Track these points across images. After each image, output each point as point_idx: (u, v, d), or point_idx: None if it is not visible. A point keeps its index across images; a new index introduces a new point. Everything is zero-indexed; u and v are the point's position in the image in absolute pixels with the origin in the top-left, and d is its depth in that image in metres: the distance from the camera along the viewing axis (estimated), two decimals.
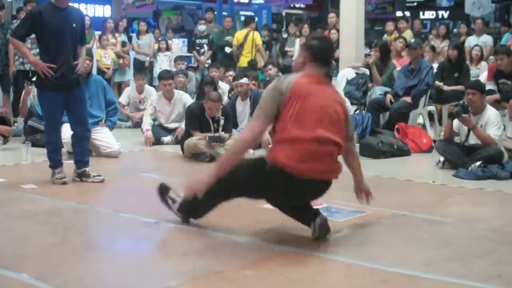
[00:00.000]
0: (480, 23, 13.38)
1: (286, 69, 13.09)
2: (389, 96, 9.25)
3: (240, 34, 13.81)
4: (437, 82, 9.81)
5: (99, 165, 7.11)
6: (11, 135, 8.73)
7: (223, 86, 11.01)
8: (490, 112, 7.28)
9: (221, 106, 8.28)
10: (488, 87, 8.48)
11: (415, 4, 28.06)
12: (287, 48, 14.58)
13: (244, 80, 9.24)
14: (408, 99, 9.15)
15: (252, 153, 7.42)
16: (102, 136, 8.11)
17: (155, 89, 11.40)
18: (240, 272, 3.90)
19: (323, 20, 18.99)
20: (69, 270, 3.92)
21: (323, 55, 4.61)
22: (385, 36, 13.49)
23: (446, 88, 9.79)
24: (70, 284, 3.66)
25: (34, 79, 7.76)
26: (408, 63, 9.52)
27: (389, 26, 13.49)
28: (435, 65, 10.77)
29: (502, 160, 7.07)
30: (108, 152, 8.04)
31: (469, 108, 7.22)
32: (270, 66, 11.38)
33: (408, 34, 12.62)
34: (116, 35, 13.99)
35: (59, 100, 6.37)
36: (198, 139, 7.89)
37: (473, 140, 7.28)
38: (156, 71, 13.59)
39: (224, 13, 20.41)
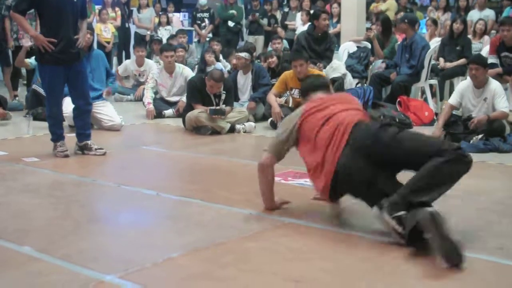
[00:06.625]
0: None
1: (288, 43, 13.05)
2: (394, 75, 9.24)
3: None
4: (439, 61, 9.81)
5: (101, 138, 7.12)
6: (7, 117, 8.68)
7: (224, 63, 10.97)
8: (495, 84, 7.27)
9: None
10: (490, 60, 8.42)
11: None
12: (287, 22, 14.49)
13: (244, 54, 9.16)
14: (393, 75, 9.24)
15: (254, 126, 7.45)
16: (104, 109, 8.12)
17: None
18: (241, 244, 3.90)
19: None
20: (72, 243, 3.92)
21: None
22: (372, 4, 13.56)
23: (448, 65, 9.74)
24: (73, 257, 3.66)
25: None
26: (405, 37, 9.50)
27: None
28: (438, 39, 10.75)
29: (504, 133, 7.06)
30: (110, 126, 8.05)
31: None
32: (278, 40, 11.33)
33: (392, 5, 12.81)
34: (116, 9, 13.95)
35: (60, 74, 6.35)
36: (199, 112, 7.87)
37: (474, 113, 7.27)
38: None
39: None
